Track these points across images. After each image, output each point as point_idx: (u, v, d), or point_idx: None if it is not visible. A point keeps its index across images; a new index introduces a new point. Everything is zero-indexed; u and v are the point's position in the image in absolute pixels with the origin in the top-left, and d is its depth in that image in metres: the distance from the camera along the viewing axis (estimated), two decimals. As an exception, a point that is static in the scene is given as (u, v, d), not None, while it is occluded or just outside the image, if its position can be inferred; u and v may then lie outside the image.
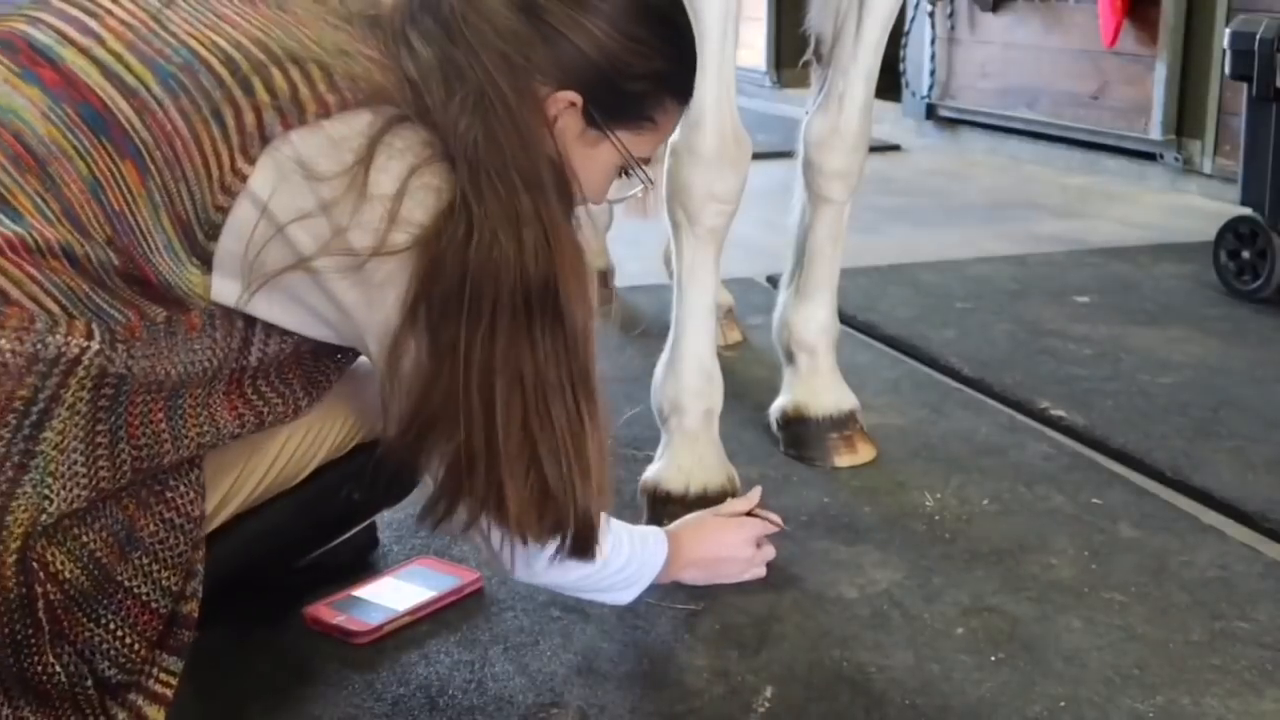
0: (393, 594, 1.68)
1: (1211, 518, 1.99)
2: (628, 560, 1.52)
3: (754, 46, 7.50)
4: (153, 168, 1.18)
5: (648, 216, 2.88)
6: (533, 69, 1.29)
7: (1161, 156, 4.79)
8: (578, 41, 1.31)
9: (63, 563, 1.17)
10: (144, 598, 1.25)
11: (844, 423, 2.18)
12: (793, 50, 7.44)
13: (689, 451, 1.93)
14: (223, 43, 1.22)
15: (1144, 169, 4.93)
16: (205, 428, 1.27)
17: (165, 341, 1.20)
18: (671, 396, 1.95)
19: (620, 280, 3.26)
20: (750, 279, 3.38)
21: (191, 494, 1.29)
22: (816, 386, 2.20)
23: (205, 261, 1.21)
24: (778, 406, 2.24)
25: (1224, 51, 3.31)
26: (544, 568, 1.39)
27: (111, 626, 1.23)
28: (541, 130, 1.29)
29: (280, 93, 1.20)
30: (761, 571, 1.76)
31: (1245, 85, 3.24)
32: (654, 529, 1.65)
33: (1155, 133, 4.76)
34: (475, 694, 1.49)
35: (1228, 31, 3.27)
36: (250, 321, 1.27)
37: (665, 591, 1.71)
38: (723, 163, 1.86)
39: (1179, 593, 1.73)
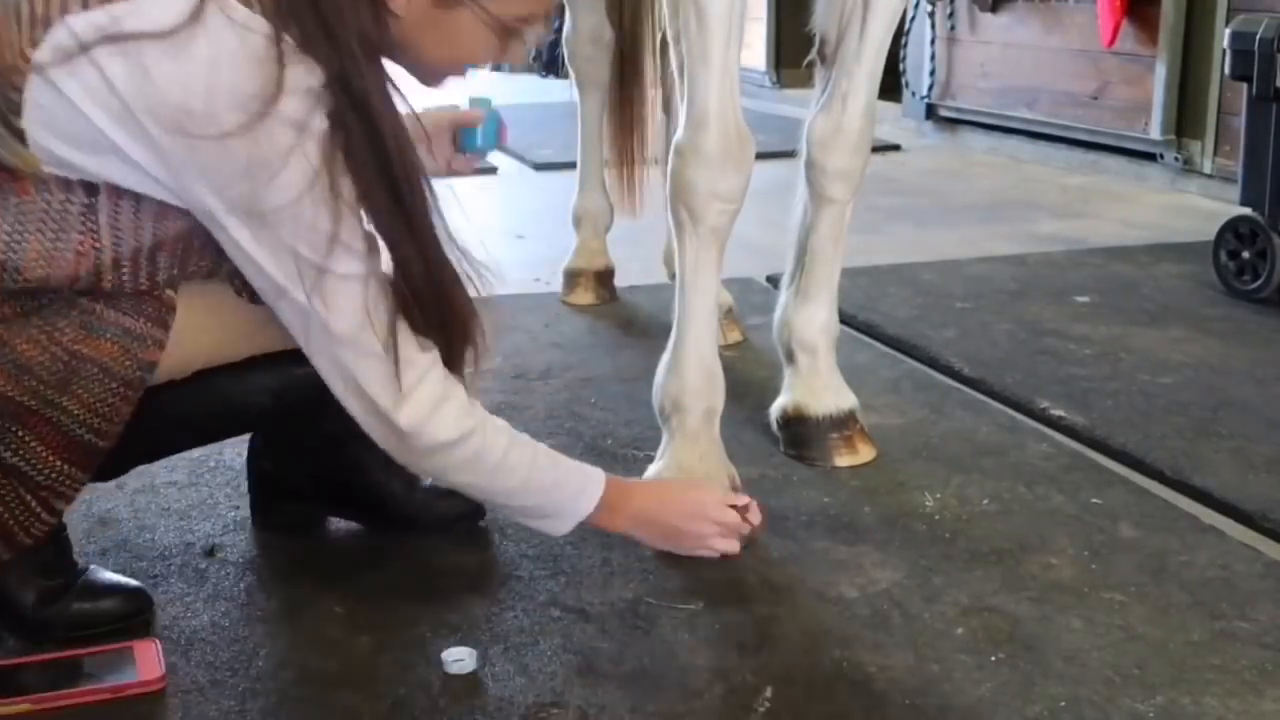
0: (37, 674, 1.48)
1: (1211, 518, 1.99)
2: (532, 463, 1.56)
3: (754, 47, 7.50)
4: None
5: (638, 217, 2.90)
6: None
7: (1161, 156, 4.79)
8: None
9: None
10: (59, 423, 1.43)
11: (844, 423, 2.18)
12: (793, 50, 7.45)
13: (690, 451, 1.93)
14: None
15: (1144, 169, 4.93)
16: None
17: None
18: (673, 396, 1.96)
19: (620, 280, 3.26)
20: (750, 279, 3.38)
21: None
22: (816, 386, 2.19)
23: (20, 139, 1.32)
24: (778, 406, 2.24)
25: (1224, 51, 3.31)
26: (433, 430, 1.48)
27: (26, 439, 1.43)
28: None
29: None
30: (715, 552, 1.74)
31: (1245, 85, 3.24)
32: (593, 468, 1.65)
33: (1155, 133, 4.76)
34: (475, 694, 1.49)
35: (1228, 31, 3.27)
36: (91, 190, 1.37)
37: (665, 591, 1.71)
38: (726, 162, 1.87)
39: (1179, 593, 1.73)
